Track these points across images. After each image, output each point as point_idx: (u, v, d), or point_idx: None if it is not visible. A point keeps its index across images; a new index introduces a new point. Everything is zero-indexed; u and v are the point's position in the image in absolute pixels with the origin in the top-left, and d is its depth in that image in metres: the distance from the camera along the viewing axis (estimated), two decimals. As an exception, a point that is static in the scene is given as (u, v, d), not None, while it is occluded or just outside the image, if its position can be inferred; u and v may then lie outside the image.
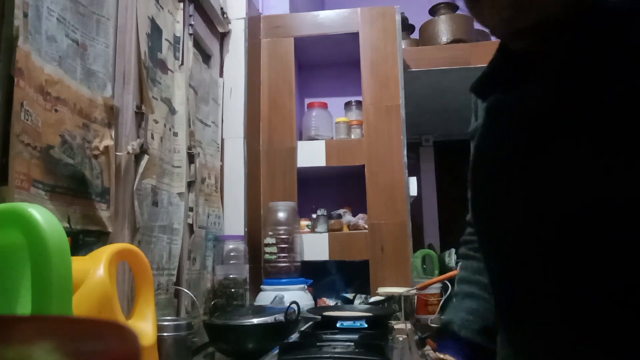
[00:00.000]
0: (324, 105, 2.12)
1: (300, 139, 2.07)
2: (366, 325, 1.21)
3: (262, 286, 1.68)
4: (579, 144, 0.55)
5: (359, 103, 2.09)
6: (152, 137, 1.17)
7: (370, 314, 1.34)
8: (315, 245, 1.88)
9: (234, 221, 1.67)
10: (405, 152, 1.90)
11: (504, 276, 0.67)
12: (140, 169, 1.08)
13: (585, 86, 0.57)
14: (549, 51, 0.61)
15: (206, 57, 1.66)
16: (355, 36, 2.01)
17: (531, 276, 0.61)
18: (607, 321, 0.55)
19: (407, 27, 2.47)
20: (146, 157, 1.10)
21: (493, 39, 2.40)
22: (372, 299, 1.75)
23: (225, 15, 1.73)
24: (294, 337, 1.14)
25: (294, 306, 1.19)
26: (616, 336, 0.54)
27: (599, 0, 0.56)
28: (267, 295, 1.59)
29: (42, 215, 0.54)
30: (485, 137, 0.71)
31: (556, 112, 0.58)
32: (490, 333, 0.76)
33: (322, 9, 2.88)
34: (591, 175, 0.53)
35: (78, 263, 0.68)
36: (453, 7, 2.35)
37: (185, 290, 1.28)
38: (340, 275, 1.98)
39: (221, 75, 1.75)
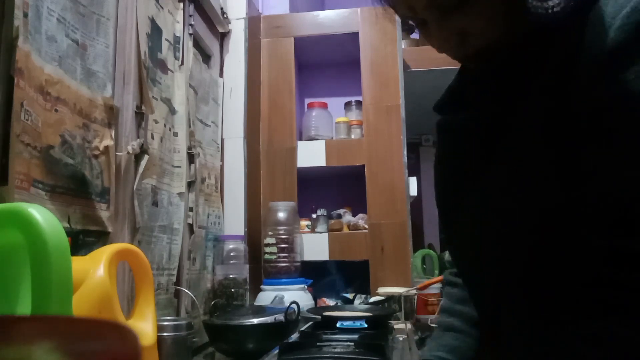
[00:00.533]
0: (324, 105, 2.12)
1: (300, 139, 2.07)
2: (366, 325, 1.21)
3: (262, 286, 1.68)
4: (511, 160, 0.59)
5: (359, 103, 2.09)
6: (152, 137, 1.17)
7: (370, 314, 1.34)
8: (315, 245, 1.88)
9: (234, 221, 1.67)
10: (405, 152, 1.90)
11: (476, 291, 0.71)
12: (140, 169, 1.08)
13: (514, 104, 0.61)
14: (488, 72, 0.65)
15: (206, 57, 1.66)
16: (355, 36, 2.01)
17: (496, 287, 0.64)
18: (571, 322, 0.56)
19: (407, 27, 2.47)
20: (146, 157, 1.10)
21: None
22: (372, 299, 1.75)
23: (225, 15, 1.73)
24: (294, 337, 1.14)
25: (294, 306, 1.19)
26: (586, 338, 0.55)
27: (537, 20, 0.58)
28: (267, 295, 1.59)
29: (42, 215, 0.54)
30: (438, 155, 0.76)
31: (492, 130, 0.63)
32: None
33: (322, 9, 2.88)
34: (522, 191, 0.57)
35: (78, 263, 0.68)
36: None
37: (185, 290, 1.28)
38: (340, 275, 1.98)
39: (221, 75, 1.75)
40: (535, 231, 0.57)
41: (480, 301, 0.71)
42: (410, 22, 0.64)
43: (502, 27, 0.59)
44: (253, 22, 1.91)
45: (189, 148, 1.37)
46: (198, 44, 1.56)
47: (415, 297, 1.70)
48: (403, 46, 2.08)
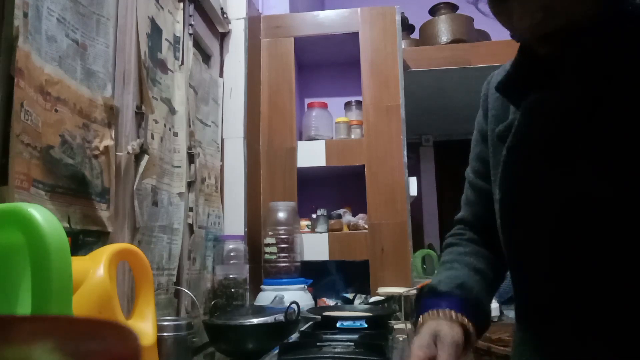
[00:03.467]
0: (324, 105, 2.12)
1: (300, 139, 2.07)
2: (366, 325, 1.21)
3: (262, 286, 1.68)
4: (611, 140, 0.58)
5: (359, 103, 2.09)
6: (152, 137, 1.17)
7: (370, 314, 1.34)
8: (315, 245, 1.88)
9: (234, 221, 1.67)
10: (405, 152, 1.90)
11: (529, 274, 0.68)
12: (140, 169, 1.08)
13: (614, 86, 0.59)
14: (577, 54, 0.63)
15: (206, 57, 1.66)
16: (355, 36, 2.01)
17: (555, 274, 0.63)
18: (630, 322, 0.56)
19: (407, 27, 2.47)
20: (146, 157, 1.10)
21: (493, 39, 2.41)
22: (372, 299, 1.75)
23: (225, 15, 1.73)
24: (294, 337, 1.14)
25: (294, 306, 1.19)
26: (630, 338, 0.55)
27: (624, 5, 0.57)
28: (267, 295, 1.59)
29: (42, 215, 0.54)
30: (522, 136, 0.71)
31: (584, 114, 0.61)
32: (468, 289, 0.75)
33: (322, 9, 2.88)
34: (606, 179, 0.56)
35: (78, 263, 0.68)
36: (453, 7, 2.35)
37: (185, 290, 1.28)
38: (340, 275, 1.98)
39: (221, 75, 1.75)
40: (623, 217, 0.56)
41: (536, 283, 0.68)
42: None
43: (589, 6, 0.58)
44: (253, 22, 1.91)
45: (189, 148, 1.37)
46: (198, 44, 1.56)
47: (415, 297, 1.69)
48: (403, 46, 2.09)
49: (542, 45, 0.64)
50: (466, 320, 0.71)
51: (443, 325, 0.69)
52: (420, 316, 0.74)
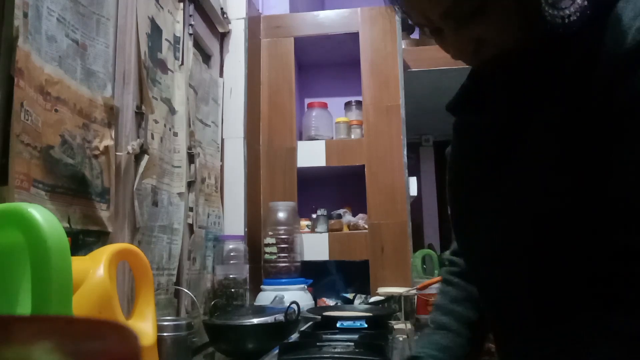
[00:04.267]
0: (324, 105, 2.12)
1: (300, 139, 2.07)
2: (366, 325, 1.21)
3: (262, 286, 1.68)
4: (526, 162, 0.60)
5: (359, 103, 2.09)
6: (152, 137, 1.17)
7: (370, 314, 1.34)
8: (315, 245, 1.88)
9: (234, 221, 1.67)
10: (405, 152, 1.90)
11: (485, 287, 0.72)
12: (140, 169, 1.08)
13: (530, 109, 0.62)
14: (504, 77, 0.66)
15: (206, 57, 1.66)
16: (355, 36, 2.01)
17: (505, 281, 0.65)
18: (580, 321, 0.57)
19: (407, 27, 2.47)
20: (146, 157, 1.10)
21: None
22: (372, 299, 1.75)
23: (225, 15, 1.73)
24: (294, 337, 1.14)
25: (294, 306, 1.19)
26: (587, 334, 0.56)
27: (554, 30, 0.58)
28: (267, 295, 1.59)
29: (42, 215, 0.54)
30: (453, 155, 0.77)
31: (507, 134, 0.64)
32: None
33: (322, 9, 2.88)
34: (537, 190, 0.58)
35: (78, 263, 0.68)
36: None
37: (185, 290, 1.28)
38: (340, 275, 1.98)
39: (221, 75, 1.75)
40: (546, 230, 0.57)
41: (490, 300, 0.72)
42: (426, 29, 0.65)
43: (518, 34, 0.60)
44: (253, 22, 1.91)
45: (189, 148, 1.37)
46: (198, 44, 1.56)
47: (415, 297, 1.69)
48: (403, 46, 2.09)
49: (481, 68, 0.67)
50: None
51: None
52: None
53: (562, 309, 0.58)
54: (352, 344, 1.02)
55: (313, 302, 1.72)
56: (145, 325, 0.84)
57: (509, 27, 0.59)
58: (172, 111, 1.31)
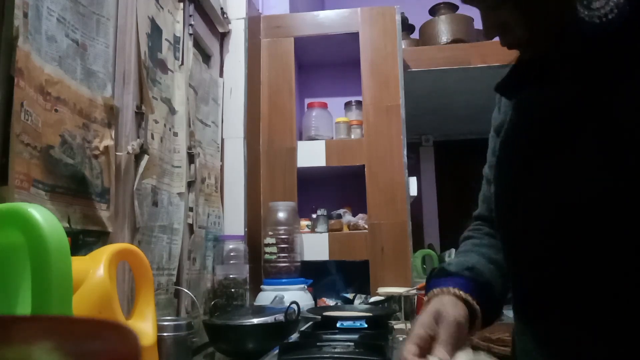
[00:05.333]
0: (324, 105, 2.12)
1: (300, 139, 2.07)
2: (366, 325, 1.21)
3: (262, 286, 1.68)
4: (596, 139, 0.58)
5: (359, 103, 2.09)
6: (152, 137, 1.17)
7: (370, 314, 1.34)
8: (315, 245, 1.88)
9: (234, 221, 1.67)
10: (405, 152, 1.90)
11: (524, 266, 0.68)
12: (140, 169, 1.08)
13: (600, 86, 0.60)
14: (559, 56, 0.65)
15: (206, 57, 1.66)
16: (355, 36, 2.01)
17: (550, 265, 0.62)
18: (624, 317, 0.55)
19: (407, 27, 2.47)
20: (146, 157, 1.10)
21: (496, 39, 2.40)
22: (372, 299, 1.75)
23: (225, 15, 1.73)
24: (294, 337, 1.14)
25: (294, 306, 1.19)
26: (629, 333, 0.55)
27: (583, 24, 0.58)
28: (267, 295, 1.59)
29: (42, 215, 0.54)
30: (512, 131, 0.73)
31: (576, 109, 0.62)
32: (480, 273, 0.74)
33: (322, 9, 2.88)
34: (604, 170, 0.56)
35: (78, 263, 0.68)
36: (453, 7, 2.35)
37: (185, 290, 1.28)
38: (340, 275, 1.98)
39: (221, 75, 1.75)
40: (620, 213, 0.55)
41: (530, 278, 0.67)
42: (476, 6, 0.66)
43: (548, 29, 0.61)
44: (253, 22, 1.92)
45: (189, 148, 1.37)
46: (198, 44, 1.56)
47: (415, 297, 1.70)
48: (403, 46, 2.09)
49: (521, 51, 0.67)
50: (472, 299, 0.69)
51: (446, 304, 0.68)
52: (426, 295, 0.74)
53: (614, 294, 0.56)
54: (352, 344, 1.02)
55: (313, 302, 1.72)
56: (145, 325, 0.84)
57: (538, 19, 0.60)
58: (172, 111, 1.31)
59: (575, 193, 0.60)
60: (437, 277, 0.76)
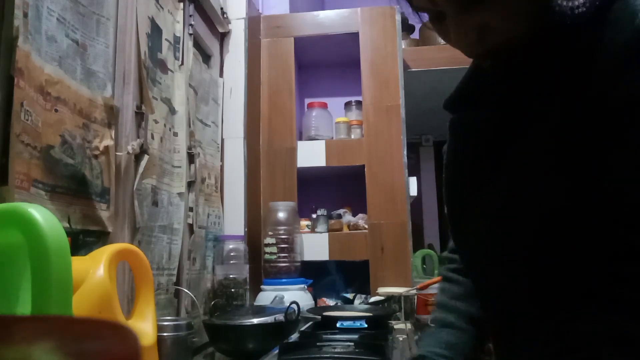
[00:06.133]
0: (324, 105, 2.12)
1: (300, 139, 2.07)
2: (366, 325, 1.21)
3: (262, 286, 1.68)
4: (524, 160, 0.59)
5: (359, 103, 2.09)
6: (152, 137, 1.17)
7: (370, 314, 1.34)
8: (315, 245, 1.88)
9: (234, 221, 1.67)
10: (405, 152, 1.90)
11: (482, 286, 0.71)
12: (140, 169, 1.08)
13: (528, 105, 0.60)
14: (502, 72, 0.64)
15: (206, 57, 1.66)
16: (355, 36, 2.01)
17: (505, 281, 0.64)
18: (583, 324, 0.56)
19: (407, 27, 2.47)
20: (146, 157, 1.10)
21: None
22: (372, 299, 1.75)
23: (225, 15, 1.73)
24: (294, 337, 1.14)
25: (294, 306, 1.19)
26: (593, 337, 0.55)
27: (555, 14, 0.57)
28: (267, 295, 1.59)
29: (42, 215, 0.54)
30: (449, 154, 0.75)
31: (505, 130, 0.62)
32: None
33: (322, 9, 2.88)
34: (536, 190, 0.57)
35: (78, 263, 0.68)
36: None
37: (185, 290, 1.28)
38: (340, 275, 1.98)
39: (221, 75, 1.75)
40: (547, 230, 0.56)
41: (489, 298, 0.71)
42: (427, 14, 0.62)
43: (523, 24, 0.58)
44: (253, 22, 1.91)
45: (189, 148, 1.37)
46: (198, 44, 1.56)
47: (415, 297, 1.70)
48: (403, 46, 2.09)
49: (484, 61, 0.65)
50: None
51: None
52: None
53: (564, 308, 0.58)
54: (352, 344, 1.02)
55: (313, 302, 1.72)
56: (145, 325, 0.84)
57: (515, 14, 0.57)
58: (172, 111, 1.31)
59: (499, 220, 0.61)
60: None
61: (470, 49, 0.62)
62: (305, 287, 1.68)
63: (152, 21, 1.21)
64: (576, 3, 0.55)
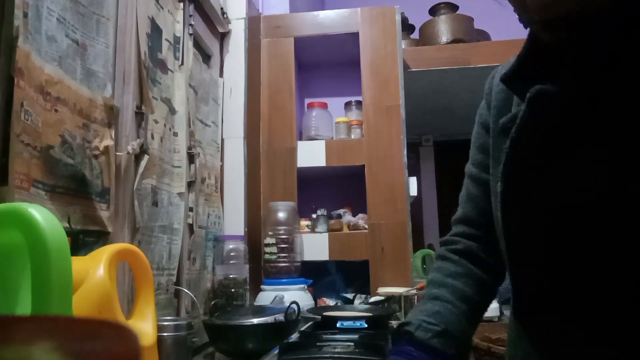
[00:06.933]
0: (324, 105, 2.12)
1: (300, 139, 2.07)
2: (366, 325, 1.21)
3: (262, 286, 1.68)
4: (613, 134, 0.57)
5: (359, 103, 2.09)
6: (152, 137, 1.17)
7: (370, 314, 1.34)
8: (315, 245, 1.88)
9: (234, 221, 1.67)
10: (405, 152, 1.90)
11: (527, 265, 0.67)
12: (140, 169, 1.08)
13: (616, 79, 0.58)
14: (583, 44, 0.61)
15: (206, 57, 1.66)
16: (355, 36, 2.01)
17: (554, 265, 0.62)
18: (624, 319, 0.55)
19: (407, 27, 2.47)
20: (146, 157, 1.10)
21: (493, 39, 2.41)
22: (372, 299, 1.75)
23: (225, 15, 1.73)
24: (294, 337, 1.14)
25: (294, 306, 1.19)
26: (631, 333, 0.55)
27: None
28: (267, 295, 1.59)
29: (42, 215, 0.54)
30: (525, 127, 0.69)
31: (591, 104, 0.60)
32: (450, 337, 0.74)
33: (322, 9, 2.88)
34: (608, 173, 0.55)
35: (78, 263, 0.68)
36: (453, 7, 2.35)
37: (185, 290, 1.28)
38: (340, 275, 1.98)
39: (221, 75, 1.75)
40: (604, 214, 0.55)
41: (523, 265, 0.67)
42: None
43: None
44: (253, 22, 1.91)
45: (189, 148, 1.37)
46: (198, 44, 1.56)
47: (415, 297, 1.70)
48: (403, 46, 2.09)
49: (549, 31, 0.62)
50: None
51: None
52: None
53: (622, 293, 0.56)
54: (352, 344, 1.02)
55: (313, 302, 1.72)
56: (145, 325, 0.84)
57: None
58: (172, 111, 1.31)
59: (578, 197, 0.59)
60: (404, 342, 0.74)
61: (544, 11, 0.58)
62: (305, 287, 1.68)
63: (152, 21, 1.21)
64: None
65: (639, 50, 0.57)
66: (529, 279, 0.68)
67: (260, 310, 1.26)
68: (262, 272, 1.78)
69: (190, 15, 1.46)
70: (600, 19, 0.57)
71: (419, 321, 0.75)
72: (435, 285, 0.81)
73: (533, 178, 0.66)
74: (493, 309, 1.61)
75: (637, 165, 0.55)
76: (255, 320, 1.15)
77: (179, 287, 1.27)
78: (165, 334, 0.95)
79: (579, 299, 0.61)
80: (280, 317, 1.16)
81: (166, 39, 1.29)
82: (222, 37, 1.78)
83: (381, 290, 1.73)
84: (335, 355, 0.94)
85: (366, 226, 1.89)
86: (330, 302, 1.86)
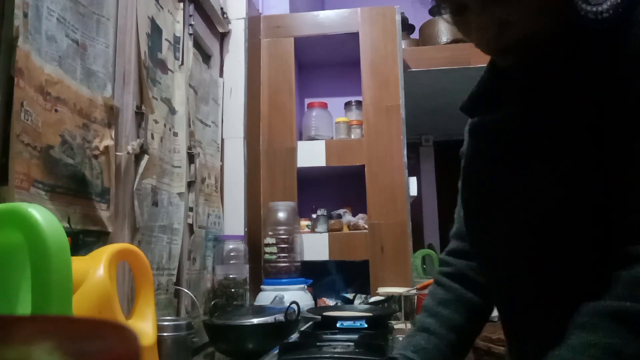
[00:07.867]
0: (324, 105, 2.12)
1: (300, 139, 2.07)
2: (366, 325, 1.21)
3: (262, 286, 1.68)
4: (544, 160, 0.60)
5: (359, 103, 2.09)
6: (152, 137, 1.17)
7: (370, 314, 1.34)
8: (315, 245, 1.88)
9: (234, 221, 1.67)
10: (405, 152, 1.90)
11: (497, 285, 0.72)
12: (140, 169, 1.08)
13: (549, 106, 0.61)
14: (521, 72, 0.65)
15: (206, 57, 1.66)
16: (355, 36, 2.01)
17: (517, 281, 0.66)
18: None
19: (407, 27, 2.47)
20: (146, 157, 1.10)
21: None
22: (372, 299, 1.75)
23: (225, 15, 1.73)
24: (294, 337, 1.14)
25: (294, 306, 1.19)
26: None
27: (579, 17, 0.58)
28: (267, 295, 1.59)
29: (42, 215, 0.54)
30: (468, 157, 0.76)
31: (524, 133, 0.63)
32: None
33: (322, 9, 2.88)
34: (553, 187, 0.58)
35: (78, 263, 0.68)
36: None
37: (185, 290, 1.28)
38: (340, 275, 1.98)
39: (221, 75, 1.75)
40: (571, 226, 0.58)
41: (500, 298, 0.72)
42: (448, 6, 0.63)
43: (544, 22, 0.59)
44: (253, 22, 1.91)
45: (189, 148, 1.37)
46: (198, 44, 1.56)
47: (415, 297, 1.70)
48: (403, 46, 2.09)
49: (501, 59, 0.65)
50: None
51: None
52: None
53: (568, 301, 0.58)
54: (352, 344, 1.02)
55: (313, 302, 1.72)
56: (145, 325, 0.84)
57: (537, 13, 0.58)
58: (172, 111, 1.31)
59: (516, 222, 0.63)
60: None
61: (489, 44, 0.62)
62: (305, 287, 1.68)
63: (152, 21, 1.21)
64: (600, 9, 0.56)
65: (562, 78, 0.60)
66: (499, 303, 0.76)
67: (260, 310, 1.26)
68: (262, 272, 1.78)
69: (190, 15, 1.46)
70: (545, 47, 0.60)
71: (401, 357, 0.80)
72: (427, 313, 0.85)
73: (480, 205, 0.71)
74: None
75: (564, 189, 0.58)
76: (255, 320, 1.15)
77: (179, 287, 1.27)
78: (165, 334, 0.95)
79: (499, 307, 0.71)
80: (280, 317, 1.16)
81: (166, 39, 1.29)
82: (222, 37, 1.78)
83: (381, 290, 1.73)
84: (335, 355, 0.94)
85: (366, 226, 1.89)
86: (330, 302, 1.86)
